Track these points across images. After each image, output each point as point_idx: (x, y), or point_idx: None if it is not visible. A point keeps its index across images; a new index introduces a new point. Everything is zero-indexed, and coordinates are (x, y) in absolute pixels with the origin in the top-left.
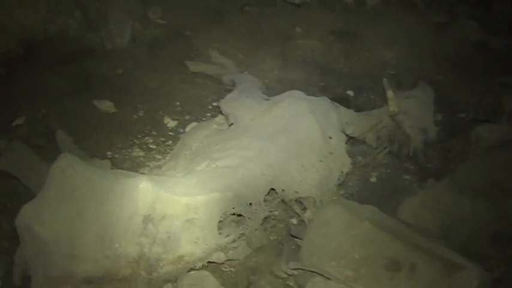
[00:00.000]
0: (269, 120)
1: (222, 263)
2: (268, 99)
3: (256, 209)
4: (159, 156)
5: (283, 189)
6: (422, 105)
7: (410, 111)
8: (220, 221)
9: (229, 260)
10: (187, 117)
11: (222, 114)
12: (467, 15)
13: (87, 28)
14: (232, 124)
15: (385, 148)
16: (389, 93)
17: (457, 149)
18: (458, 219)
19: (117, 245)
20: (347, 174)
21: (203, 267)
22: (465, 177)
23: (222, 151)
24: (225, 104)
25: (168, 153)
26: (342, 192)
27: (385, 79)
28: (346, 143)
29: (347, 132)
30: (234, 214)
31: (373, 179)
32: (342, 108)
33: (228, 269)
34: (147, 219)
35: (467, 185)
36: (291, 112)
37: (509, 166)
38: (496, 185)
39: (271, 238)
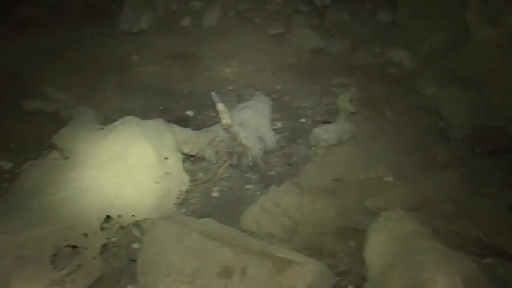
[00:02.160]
0: (102, 148)
1: None
2: (102, 129)
3: (92, 239)
4: None
5: (119, 215)
6: (258, 114)
7: (246, 121)
8: (53, 255)
9: None
10: (23, 157)
11: (57, 149)
12: (302, 25)
13: None
14: (67, 158)
15: (225, 162)
16: (219, 106)
17: (299, 154)
18: (301, 220)
19: None
20: (187, 192)
21: None
22: (307, 180)
23: (54, 185)
24: (59, 139)
25: (4, 196)
26: (183, 210)
27: (213, 93)
28: (184, 162)
29: (185, 151)
30: (68, 246)
31: (215, 194)
32: (177, 128)
33: None
34: None
35: (309, 186)
36: (123, 138)
37: (348, 163)
38: (336, 182)
39: (114, 266)
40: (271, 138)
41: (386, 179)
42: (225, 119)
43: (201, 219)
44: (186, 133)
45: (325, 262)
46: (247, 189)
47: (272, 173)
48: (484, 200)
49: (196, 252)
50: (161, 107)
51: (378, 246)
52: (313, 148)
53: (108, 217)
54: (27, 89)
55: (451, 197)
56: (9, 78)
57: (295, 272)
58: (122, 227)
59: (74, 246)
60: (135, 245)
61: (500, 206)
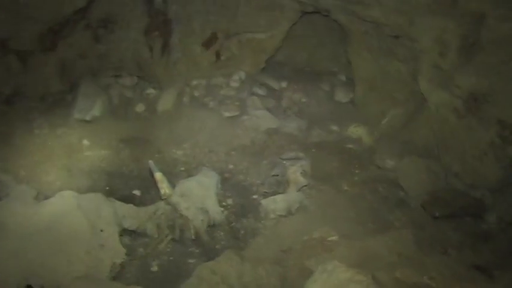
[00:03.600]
0: (35, 220)
1: None
2: (37, 203)
3: None
4: None
5: (42, 285)
6: (202, 187)
7: (188, 193)
8: None
9: None
10: None
11: None
12: (257, 107)
13: None
14: None
15: (166, 236)
16: (157, 175)
17: (247, 228)
18: None
19: None
20: (122, 266)
21: None
22: (254, 252)
23: None
24: None
25: None
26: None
27: (150, 161)
28: (123, 236)
29: (125, 226)
30: None
31: (155, 268)
32: (117, 203)
33: None
34: None
35: (255, 257)
36: (57, 210)
37: (297, 232)
38: (284, 252)
39: None
40: (216, 211)
41: (330, 238)
42: (163, 188)
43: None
44: (126, 208)
45: None
46: (190, 262)
47: (217, 247)
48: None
49: None
50: (107, 188)
51: None
52: (262, 222)
53: (29, 287)
54: None
55: (403, 254)
56: None
57: None
58: None
59: None
60: None
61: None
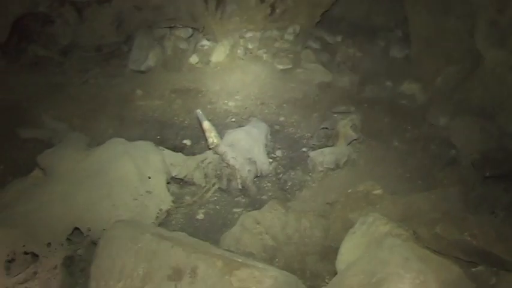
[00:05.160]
0: (85, 166)
1: None
2: (88, 150)
3: (55, 249)
4: None
5: (89, 229)
6: (250, 137)
7: (236, 143)
8: (9, 260)
9: None
10: (9, 178)
11: (40, 168)
12: (311, 60)
13: None
14: (48, 176)
15: (213, 185)
16: (205, 124)
17: (295, 180)
18: (284, 240)
19: None
20: (169, 213)
21: None
22: (300, 204)
23: (27, 199)
24: (43, 158)
25: None
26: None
27: (198, 110)
28: (171, 184)
29: (173, 174)
30: (27, 253)
31: (200, 216)
32: (166, 151)
33: None
34: None
35: (301, 209)
36: (106, 155)
37: (344, 186)
38: (330, 205)
39: (80, 281)
40: (264, 162)
41: (375, 192)
42: (211, 137)
43: (172, 232)
44: (175, 156)
45: (308, 283)
46: (235, 212)
47: (264, 197)
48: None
49: (148, 254)
50: (158, 137)
51: (349, 250)
52: (310, 174)
53: (77, 230)
54: (25, 118)
55: (448, 212)
56: (9, 108)
57: (251, 274)
58: (92, 243)
59: (34, 254)
60: None
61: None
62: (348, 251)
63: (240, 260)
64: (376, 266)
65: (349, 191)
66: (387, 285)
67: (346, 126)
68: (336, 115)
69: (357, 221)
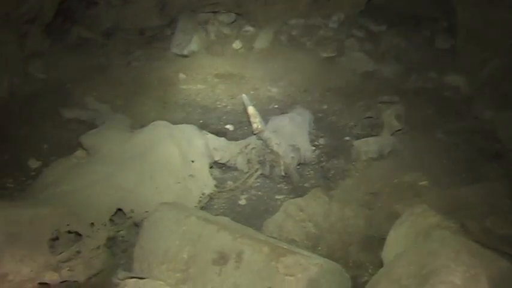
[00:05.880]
0: (128, 147)
1: (57, 285)
2: (132, 131)
3: (98, 229)
4: (15, 194)
5: (131, 210)
6: (295, 124)
7: (280, 129)
8: (53, 239)
9: (66, 281)
10: (53, 157)
11: (83, 148)
12: (355, 49)
13: None
14: (91, 156)
15: (256, 171)
16: (250, 109)
17: (338, 168)
18: (327, 228)
19: None
20: (211, 197)
21: None
22: (343, 193)
23: (71, 179)
24: (86, 138)
25: (25, 191)
26: None
27: (244, 95)
28: (213, 168)
29: (216, 158)
30: (71, 232)
31: (242, 202)
32: (210, 136)
33: None
34: None
35: (343, 199)
36: (150, 138)
37: (387, 176)
38: (373, 195)
39: (122, 262)
40: (308, 149)
41: (421, 183)
42: (256, 123)
43: (215, 216)
44: (218, 141)
45: (350, 272)
46: (277, 199)
47: (306, 185)
48: None
49: (193, 237)
50: (201, 121)
51: (396, 241)
52: (353, 163)
53: (120, 211)
54: (68, 99)
55: (495, 206)
56: (53, 88)
57: (297, 261)
58: (135, 224)
59: (78, 234)
60: None
61: None
62: (395, 242)
63: (285, 247)
64: (426, 258)
65: (395, 181)
66: (437, 277)
67: (390, 116)
68: (380, 104)
69: (402, 212)
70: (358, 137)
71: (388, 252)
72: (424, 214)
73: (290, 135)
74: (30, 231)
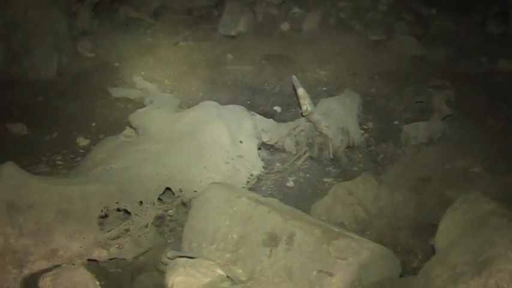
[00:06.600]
0: (177, 127)
1: (106, 262)
2: (180, 111)
3: (147, 207)
4: (64, 171)
5: (180, 189)
6: (344, 107)
7: (329, 111)
8: (102, 216)
9: (114, 258)
10: (101, 136)
11: (132, 127)
12: (404, 32)
13: (11, 60)
14: (140, 134)
15: (304, 153)
16: (300, 91)
17: (387, 153)
18: (376, 212)
19: None
20: (259, 178)
21: (83, 265)
22: (392, 178)
23: (120, 157)
24: (135, 117)
25: (74, 168)
26: None
27: (294, 76)
28: (262, 150)
29: (264, 140)
30: (120, 210)
31: (290, 184)
32: (258, 117)
33: (114, 270)
34: (12, 207)
35: (392, 184)
36: (199, 118)
37: (437, 162)
38: (423, 181)
39: (169, 241)
40: (357, 133)
41: (473, 170)
42: (305, 104)
43: (265, 197)
44: (267, 122)
45: (399, 258)
46: (325, 182)
47: (355, 168)
48: None
49: (243, 217)
50: (248, 102)
51: (449, 228)
52: (402, 148)
53: (168, 190)
54: (117, 78)
55: None
56: (101, 67)
57: (348, 245)
58: (183, 203)
59: (127, 212)
60: None
61: None
62: (448, 228)
63: (336, 230)
64: (482, 246)
65: (446, 167)
66: (494, 266)
67: (441, 101)
68: (430, 89)
69: (454, 199)
70: (407, 122)
71: (441, 239)
72: (478, 201)
73: (339, 118)
74: (80, 208)
